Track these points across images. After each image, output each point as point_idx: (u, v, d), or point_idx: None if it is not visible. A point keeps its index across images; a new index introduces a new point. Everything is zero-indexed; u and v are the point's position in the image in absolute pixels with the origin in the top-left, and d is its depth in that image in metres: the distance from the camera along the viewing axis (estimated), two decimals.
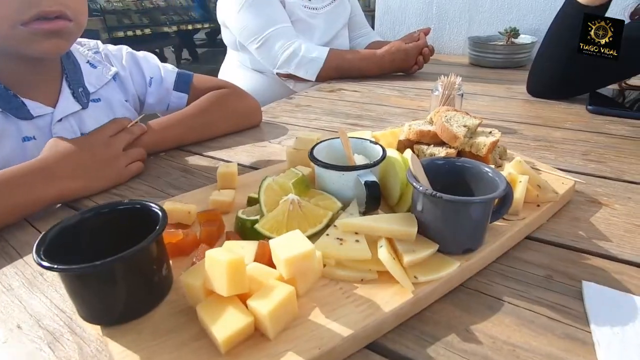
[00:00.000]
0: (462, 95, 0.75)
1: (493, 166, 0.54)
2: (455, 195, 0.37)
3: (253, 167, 0.67)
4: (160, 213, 0.34)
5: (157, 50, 5.42)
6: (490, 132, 0.56)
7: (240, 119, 0.83)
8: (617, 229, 0.47)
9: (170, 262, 0.38)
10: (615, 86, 1.00)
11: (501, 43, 1.35)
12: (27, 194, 0.51)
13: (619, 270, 0.41)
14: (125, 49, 0.82)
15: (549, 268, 0.41)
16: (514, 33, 1.33)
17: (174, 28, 5.17)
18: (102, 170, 0.59)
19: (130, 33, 4.67)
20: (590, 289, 0.38)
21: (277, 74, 1.23)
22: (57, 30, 0.59)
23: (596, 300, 0.36)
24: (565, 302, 0.37)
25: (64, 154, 0.56)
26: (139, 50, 0.84)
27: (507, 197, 0.41)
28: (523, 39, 1.36)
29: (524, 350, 0.32)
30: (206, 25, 5.88)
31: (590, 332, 0.33)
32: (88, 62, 0.74)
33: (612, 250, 0.43)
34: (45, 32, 0.58)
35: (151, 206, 0.35)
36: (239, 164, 0.67)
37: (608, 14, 0.84)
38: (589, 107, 0.88)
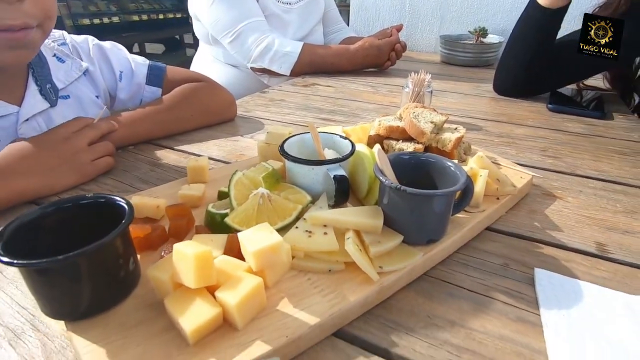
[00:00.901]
0: (432, 92, 0.77)
1: (457, 161, 0.56)
2: (419, 189, 0.38)
3: (224, 162, 0.66)
4: (126, 207, 0.34)
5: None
6: (456, 129, 0.59)
7: (214, 113, 0.82)
8: (568, 220, 0.51)
9: (139, 256, 0.38)
10: (574, 86, 1.06)
11: (471, 42, 1.39)
12: None
13: (568, 258, 0.44)
14: (91, 39, 0.77)
15: (506, 257, 0.44)
16: (483, 32, 1.38)
17: (144, 17, 4.96)
18: (63, 167, 0.56)
19: (97, 21, 4.44)
20: (541, 275, 0.40)
21: (251, 68, 1.22)
22: (22, 43, 0.56)
23: (546, 285, 0.39)
24: (519, 288, 0.39)
25: (18, 151, 0.54)
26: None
27: (467, 190, 0.43)
28: (491, 38, 1.41)
29: (480, 333, 0.34)
30: (178, 15, 5.70)
31: (539, 315, 0.36)
32: (55, 55, 0.70)
33: (563, 240, 0.47)
34: (8, 44, 0.54)
35: (117, 200, 0.34)
36: (210, 158, 0.67)
37: (567, 18, 0.89)
38: (549, 105, 0.93)
